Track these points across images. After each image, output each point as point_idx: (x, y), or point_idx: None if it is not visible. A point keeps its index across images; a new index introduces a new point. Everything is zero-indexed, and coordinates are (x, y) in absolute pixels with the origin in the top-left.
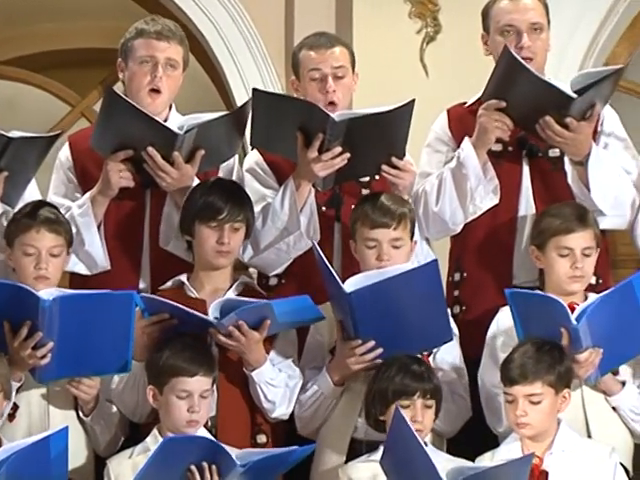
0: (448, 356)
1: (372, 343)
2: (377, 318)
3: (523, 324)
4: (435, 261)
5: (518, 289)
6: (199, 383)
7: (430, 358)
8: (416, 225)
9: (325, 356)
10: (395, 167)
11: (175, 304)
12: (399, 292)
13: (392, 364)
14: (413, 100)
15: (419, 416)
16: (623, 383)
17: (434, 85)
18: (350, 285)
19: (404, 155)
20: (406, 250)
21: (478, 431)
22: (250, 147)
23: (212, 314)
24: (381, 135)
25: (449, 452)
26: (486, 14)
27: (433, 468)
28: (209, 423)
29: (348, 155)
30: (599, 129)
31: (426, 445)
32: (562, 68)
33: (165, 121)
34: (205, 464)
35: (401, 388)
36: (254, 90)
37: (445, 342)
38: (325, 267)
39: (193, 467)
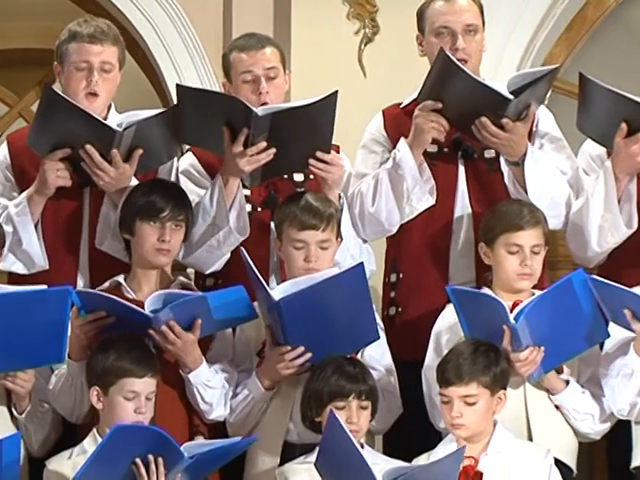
0: (376, 353)
1: (301, 349)
2: (306, 323)
3: (467, 320)
4: (361, 264)
5: (458, 287)
6: (146, 384)
7: (358, 356)
8: (343, 224)
9: (253, 357)
10: (323, 161)
11: (111, 296)
12: (327, 297)
13: (327, 365)
14: (336, 91)
15: (354, 417)
16: (567, 382)
17: (372, 86)
18: (278, 292)
19: (330, 149)
20: (332, 251)
21: (414, 432)
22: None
23: (148, 308)
24: (306, 128)
25: (386, 452)
26: (421, 15)
27: (369, 470)
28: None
29: (274, 150)
30: (534, 129)
31: (362, 446)
32: (500, 70)
33: (104, 120)
34: (151, 457)
35: (336, 389)
36: (177, 86)
37: (372, 341)
38: (253, 274)
39: (138, 460)
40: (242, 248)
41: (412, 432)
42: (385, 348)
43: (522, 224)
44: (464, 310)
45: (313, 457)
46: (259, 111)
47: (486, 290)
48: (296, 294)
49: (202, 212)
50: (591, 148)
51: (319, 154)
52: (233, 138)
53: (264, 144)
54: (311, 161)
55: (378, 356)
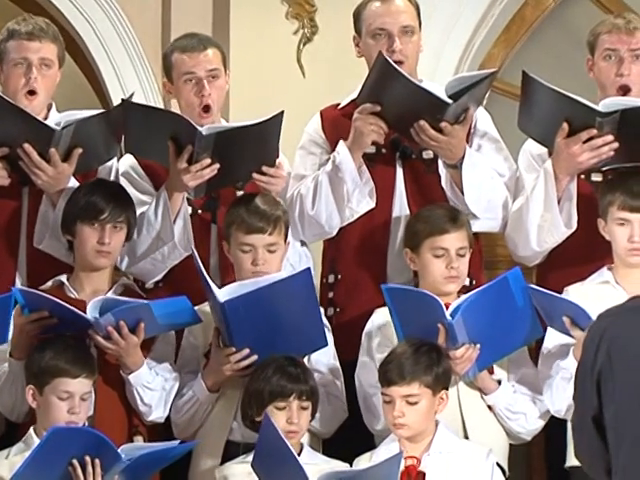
0: (323, 357)
1: (247, 351)
2: (252, 326)
3: (401, 320)
4: (308, 269)
5: (393, 285)
6: (81, 385)
7: (305, 359)
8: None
9: (200, 359)
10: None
11: (55, 299)
12: (273, 300)
13: (268, 365)
14: (282, 112)
15: (295, 417)
16: (499, 382)
17: (311, 86)
18: (225, 294)
19: (275, 163)
20: (280, 254)
21: (355, 431)
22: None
23: (91, 313)
24: (251, 146)
25: (326, 453)
26: (358, 16)
27: (302, 473)
28: (86, 423)
29: (217, 166)
30: (472, 131)
31: (302, 446)
32: (438, 70)
33: (45, 120)
34: (88, 458)
35: (277, 389)
36: (123, 101)
37: (320, 347)
38: (202, 276)
39: (75, 461)
40: (193, 248)
41: (352, 430)
42: (332, 352)
43: (446, 227)
44: (398, 310)
45: (251, 457)
46: (204, 130)
47: None
48: (241, 296)
49: (147, 225)
50: (532, 147)
51: (264, 168)
52: (178, 153)
53: (208, 161)
54: (255, 175)
55: (325, 360)
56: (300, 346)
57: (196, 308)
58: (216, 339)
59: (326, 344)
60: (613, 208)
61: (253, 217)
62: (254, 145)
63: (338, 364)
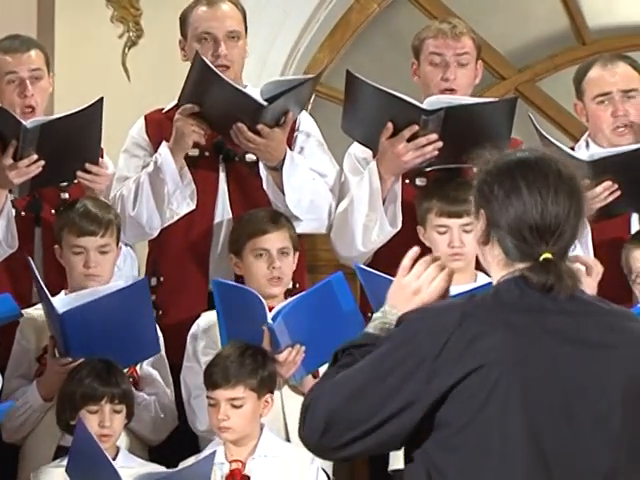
0: (154, 367)
1: (82, 360)
2: (88, 336)
3: (226, 319)
4: (144, 279)
5: (224, 280)
6: None
7: (137, 368)
8: None
9: (32, 363)
10: (90, 172)
11: None
12: (110, 310)
13: (83, 368)
14: (101, 98)
15: (107, 421)
16: None
17: (136, 89)
18: (62, 304)
19: (98, 159)
20: (112, 256)
21: (180, 435)
22: None
23: None
24: (74, 138)
25: (152, 458)
26: (184, 20)
27: (117, 476)
28: None
29: (43, 162)
30: (295, 133)
31: (118, 450)
32: (263, 75)
33: None
34: None
35: (89, 392)
36: None
37: (153, 354)
38: (39, 286)
39: None
40: (29, 258)
41: (178, 434)
42: (163, 362)
43: (266, 228)
44: (224, 307)
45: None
46: (28, 124)
47: None
48: (79, 307)
49: None
50: (357, 150)
51: (87, 165)
52: (2, 149)
53: (35, 156)
54: (79, 173)
55: (156, 370)
56: (135, 354)
57: (27, 311)
58: (52, 348)
59: (159, 350)
60: (431, 215)
61: (84, 220)
62: (77, 136)
63: (169, 373)
